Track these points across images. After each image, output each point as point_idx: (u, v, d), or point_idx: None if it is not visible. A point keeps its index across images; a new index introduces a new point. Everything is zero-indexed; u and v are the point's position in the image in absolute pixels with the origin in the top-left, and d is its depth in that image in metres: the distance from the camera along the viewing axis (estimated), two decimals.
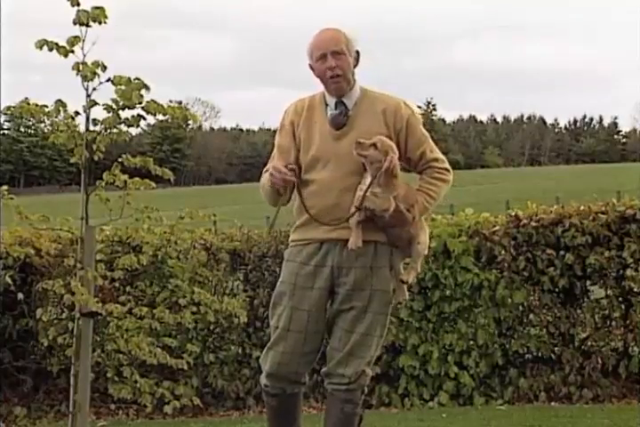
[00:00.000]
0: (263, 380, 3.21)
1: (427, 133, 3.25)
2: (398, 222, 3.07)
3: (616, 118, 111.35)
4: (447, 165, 3.24)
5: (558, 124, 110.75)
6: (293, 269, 3.16)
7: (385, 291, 3.12)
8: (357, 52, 3.17)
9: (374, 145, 2.99)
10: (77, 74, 3.36)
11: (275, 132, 3.39)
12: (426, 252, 3.23)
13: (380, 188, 3.00)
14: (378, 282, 3.10)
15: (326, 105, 3.19)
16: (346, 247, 3.04)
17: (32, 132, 78.77)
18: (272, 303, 3.23)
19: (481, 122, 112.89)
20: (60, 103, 3.43)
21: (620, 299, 5.55)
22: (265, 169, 3.25)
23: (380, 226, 3.07)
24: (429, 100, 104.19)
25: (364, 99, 3.17)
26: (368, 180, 3.03)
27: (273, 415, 3.28)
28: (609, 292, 5.55)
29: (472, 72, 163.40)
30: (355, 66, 3.17)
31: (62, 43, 3.33)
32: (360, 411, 3.22)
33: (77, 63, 3.35)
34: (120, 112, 3.40)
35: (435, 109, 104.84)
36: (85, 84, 3.38)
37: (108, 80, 3.38)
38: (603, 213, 5.51)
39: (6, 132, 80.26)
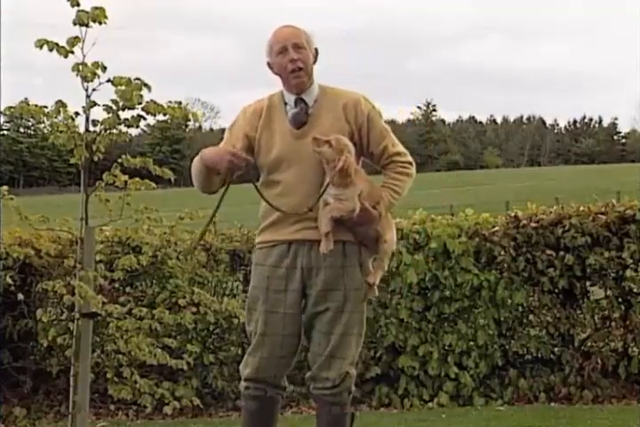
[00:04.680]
0: (243, 384, 3.20)
1: (388, 128, 3.21)
2: (365, 221, 3.05)
3: (616, 119, 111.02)
4: (410, 159, 3.21)
5: (558, 124, 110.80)
6: (265, 273, 3.13)
7: (358, 289, 3.10)
8: (316, 50, 3.15)
9: (329, 143, 2.97)
10: (77, 75, 3.36)
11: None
12: (394, 248, 3.21)
13: (342, 189, 2.98)
14: (350, 281, 3.08)
15: (285, 104, 3.15)
16: (314, 248, 3.03)
17: (32, 132, 78.73)
18: (247, 309, 3.22)
19: (480, 122, 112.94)
20: (61, 104, 3.43)
21: (620, 300, 5.55)
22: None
23: (347, 226, 3.05)
24: (429, 100, 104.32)
25: (323, 95, 3.14)
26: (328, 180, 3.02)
27: (250, 422, 3.23)
28: (609, 292, 5.55)
29: (473, 73, 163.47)
30: (314, 63, 3.14)
31: (62, 43, 3.34)
32: (350, 410, 3.21)
33: (77, 64, 3.35)
34: (120, 113, 3.41)
35: (434, 110, 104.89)
36: (85, 84, 3.39)
37: (108, 81, 3.38)
38: (602, 213, 5.51)
39: (6, 132, 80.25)
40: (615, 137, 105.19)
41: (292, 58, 3.05)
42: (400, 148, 3.19)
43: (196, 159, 3.14)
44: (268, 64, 3.14)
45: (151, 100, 3.41)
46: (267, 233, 3.17)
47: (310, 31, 3.14)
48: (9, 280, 5.29)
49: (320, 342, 3.09)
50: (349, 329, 3.08)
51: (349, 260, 3.08)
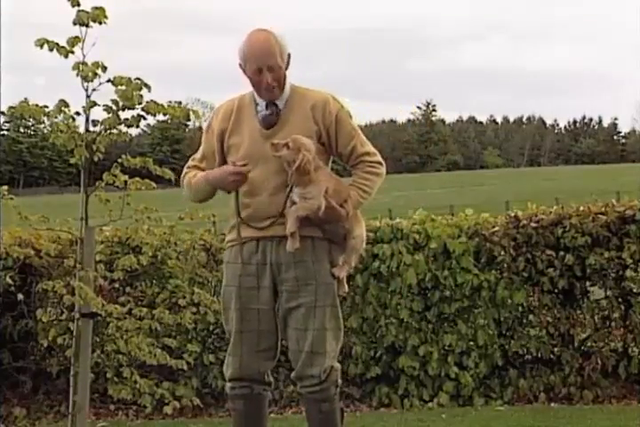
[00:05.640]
0: (228, 384, 3.22)
1: (357, 128, 3.22)
2: (332, 219, 3.07)
3: (616, 119, 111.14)
4: (379, 158, 3.23)
5: (558, 124, 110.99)
6: (236, 271, 3.16)
7: (329, 283, 3.12)
8: (289, 55, 3.16)
9: (287, 145, 2.99)
10: (77, 74, 3.36)
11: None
12: (364, 245, 3.23)
13: (304, 188, 3.00)
14: (320, 276, 3.10)
15: (256, 104, 3.18)
16: (282, 244, 3.06)
17: (32, 132, 78.78)
18: (222, 308, 3.24)
19: (480, 123, 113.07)
20: (63, 103, 3.43)
21: (620, 300, 5.54)
22: (187, 166, 3.28)
23: (315, 223, 3.07)
24: (429, 100, 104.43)
25: (293, 96, 3.16)
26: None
27: (241, 422, 3.24)
28: (608, 293, 5.54)
29: (473, 73, 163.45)
30: (286, 68, 3.15)
31: (63, 43, 3.34)
32: (339, 405, 3.22)
33: (77, 63, 3.35)
34: (120, 113, 3.41)
35: (434, 110, 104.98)
36: (85, 84, 3.39)
37: (109, 81, 3.38)
38: (602, 213, 5.50)
39: (6, 132, 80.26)
40: (615, 137, 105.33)
41: (266, 81, 3.08)
42: (369, 147, 3.21)
43: (199, 180, 3.20)
44: (241, 66, 3.15)
45: (151, 100, 3.41)
46: (236, 231, 3.19)
47: (282, 35, 3.13)
48: (9, 280, 5.29)
49: (298, 340, 3.10)
50: (325, 323, 3.09)
51: (319, 255, 3.10)
